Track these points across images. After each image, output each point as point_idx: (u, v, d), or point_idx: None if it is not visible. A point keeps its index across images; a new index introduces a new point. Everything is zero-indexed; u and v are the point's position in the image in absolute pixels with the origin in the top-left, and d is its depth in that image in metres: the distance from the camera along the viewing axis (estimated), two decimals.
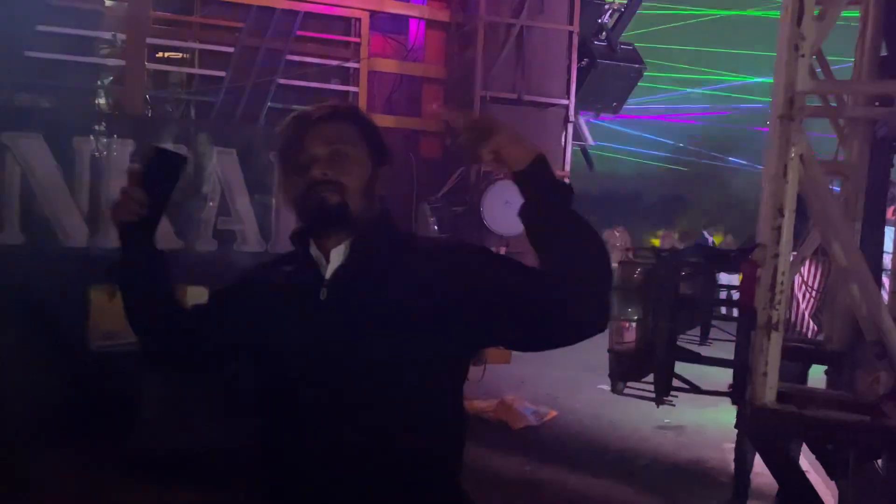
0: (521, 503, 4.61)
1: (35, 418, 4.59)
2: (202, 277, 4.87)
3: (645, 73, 5.88)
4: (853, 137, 2.70)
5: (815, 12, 2.50)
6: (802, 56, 2.35)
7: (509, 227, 5.00)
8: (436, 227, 4.96)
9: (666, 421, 6.43)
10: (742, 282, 2.62)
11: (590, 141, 5.92)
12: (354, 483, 1.43)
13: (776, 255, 2.38)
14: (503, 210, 4.91)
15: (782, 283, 2.40)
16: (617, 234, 8.59)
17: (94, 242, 4.78)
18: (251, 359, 1.58)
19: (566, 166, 5.45)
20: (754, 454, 4.30)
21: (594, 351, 5.18)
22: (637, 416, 6.61)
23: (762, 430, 2.51)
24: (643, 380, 3.25)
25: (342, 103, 1.63)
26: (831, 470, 3.24)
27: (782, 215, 2.38)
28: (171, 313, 1.69)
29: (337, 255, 1.47)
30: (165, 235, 4.91)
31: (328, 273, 1.47)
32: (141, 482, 4.28)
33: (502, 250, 5.28)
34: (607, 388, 8.20)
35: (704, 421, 6.26)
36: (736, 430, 3.09)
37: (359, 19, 5.44)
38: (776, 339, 2.43)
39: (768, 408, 2.40)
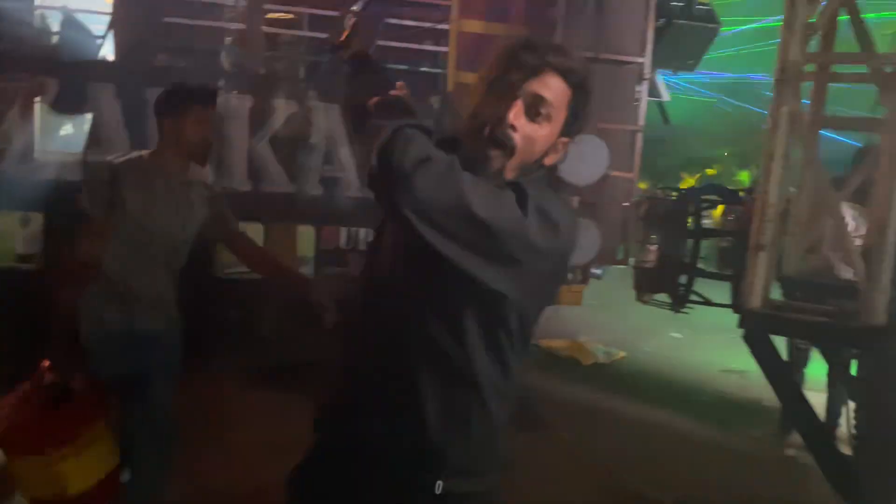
0: (584, 427, 5.11)
1: (174, 336, 5.42)
2: (311, 218, 5.58)
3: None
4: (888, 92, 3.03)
5: None
6: (795, 32, 2.76)
7: (582, 177, 5.42)
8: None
9: (732, 366, 6.78)
10: (745, 214, 3.08)
11: (665, 97, 6.21)
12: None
13: (766, 192, 2.83)
14: (577, 161, 5.31)
15: (770, 213, 2.84)
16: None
17: (220, 184, 5.49)
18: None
19: (640, 121, 5.80)
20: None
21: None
22: (704, 360, 6.98)
23: (751, 328, 3.00)
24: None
25: (583, 64, 1.51)
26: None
27: (772, 160, 2.82)
28: None
29: None
30: (279, 179, 5.62)
31: None
32: (257, 389, 5.01)
33: (575, 201, 5.68)
34: (680, 335, 8.61)
35: None
36: None
37: None
38: (763, 257, 2.91)
39: (755, 311, 2.89)
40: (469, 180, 1.31)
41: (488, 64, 1.47)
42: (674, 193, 3.84)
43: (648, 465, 4.31)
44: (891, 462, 2.91)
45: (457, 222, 1.29)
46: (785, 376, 3.34)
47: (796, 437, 4.89)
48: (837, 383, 4.30)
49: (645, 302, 3.95)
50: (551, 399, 5.19)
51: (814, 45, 3.10)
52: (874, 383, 3.14)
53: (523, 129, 1.41)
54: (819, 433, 3.40)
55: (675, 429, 5.15)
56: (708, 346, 7.46)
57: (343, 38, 1.78)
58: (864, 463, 3.11)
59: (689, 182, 17.36)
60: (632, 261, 4.61)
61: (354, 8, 1.85)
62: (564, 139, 1.49)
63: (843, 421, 4.03)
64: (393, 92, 1.55)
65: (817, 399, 4.01)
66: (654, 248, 3.71)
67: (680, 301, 3.66)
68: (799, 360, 4.50)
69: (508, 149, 1.41)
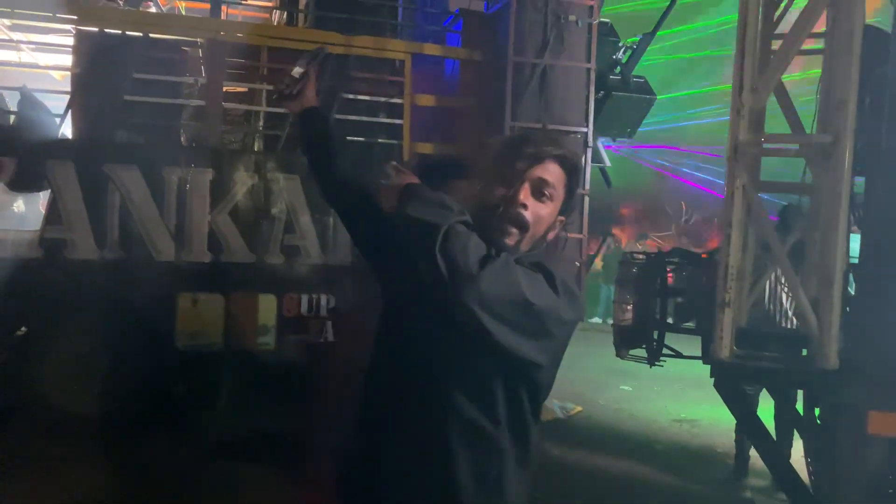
0: (551, 482, 5.25)
1: (133, 405, 5.35)
2: (272, 287, 5.68)
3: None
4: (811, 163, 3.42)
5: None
6: (742, 118, 3.14)
7: None
8: None
9: (682, 415, 7.06)
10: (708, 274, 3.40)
11: (606, 162, 6.61)
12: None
13: (727, 255, 3.15)
14: None
15: (731, 275, 3.15)
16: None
17: (181, 256, 5.51)
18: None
19: (586, 185, 6.16)
20: None
21: (618, 361, 5.82)
22: (656, 411, 7.24)
23: (720, 377, 3.27)
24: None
25: (567, 148, 1.70)
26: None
27: (731, 226, 3.16)
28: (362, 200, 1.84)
29: None
30: (240, 250, 5.71)
31: None
32: (218, 459, 4.98)
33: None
34: (629, 388, 8.89)
35: (718, 415, 6.87)
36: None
37: (402, 61, 6.14)
38: (728, 313, 3.21)
39: (724, 361, 3.17)
40: (520, 272, 1.49)
41: (491, 155, 1.66)
42: (641, 256, 4.18)
43: None
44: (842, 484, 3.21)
45: (513, 310, 1.47)
46: (752, 418, 3.64)
47: (751, 480, 5.18)
48: (784, 420, 4.67)
49: (623, 357, 4.27)
50: None
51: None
52: (827, 419, 3.45)
53: (533, 208, 1.59)
54: (785, 468, 3.69)
55: (636, 477, 5.34)
56: (657, 397, 7.76)
57: (293, 90, 1.90)
58: (818, 486, 3.42)
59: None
60: (609, 321, 4.88)
61: (298, 68, 1.94)
62: (562, 217, 1.68)
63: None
64: (406, 179, 1.64)
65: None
66: (629, 307, 4.01)
67: (654, 355, 3.97)
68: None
69: (524, 225, 1.58)
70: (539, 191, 1.60)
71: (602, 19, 6.52)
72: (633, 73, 6.45)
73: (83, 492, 4.30)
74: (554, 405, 7.00)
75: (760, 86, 3.26)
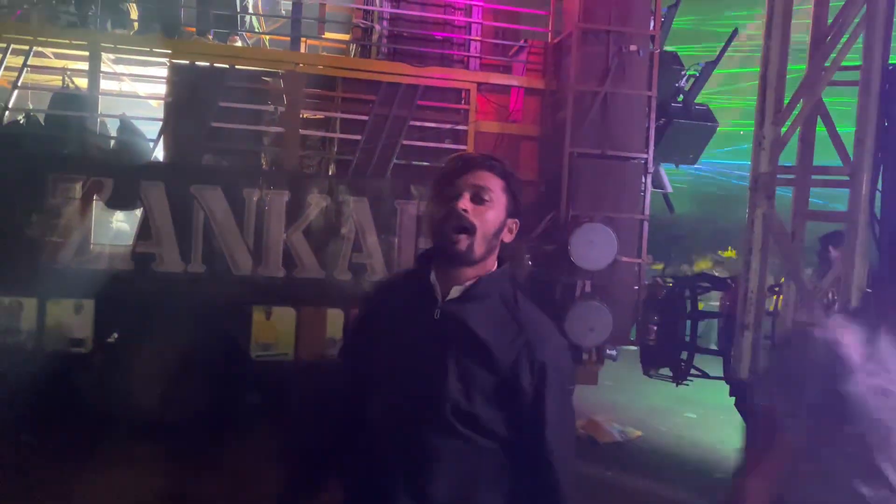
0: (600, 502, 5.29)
1: (209, 411, 5.75)
2: (340, 302, 6.00)
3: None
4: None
5: None
6: (763, 149, 3.25)
7: (593, 262, 5.82)
8: (530, 263, 5.85)
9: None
10: (731, 298, 3.50)
11: (668, 188, 6.68)
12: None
13: (747, 280, 3.26)
14: (588, 248, 5.75)
15: (752, 298, 3.24)
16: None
17: (257, 271, 5.94)
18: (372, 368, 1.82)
19: (646, 210, 6.25)
20: None
21: (685, 387, 5.82)
22: (718, 439, 7.15)
23: (741, 397, 3.34)
24: None
25: (495, 157, 1.82)
26: None
27: (751, 254, 3.26)
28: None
29: (454, 292, 1.75)
30: (312, 267, 6.07)
31: (442, 299, 1.75)
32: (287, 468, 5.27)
33: (587, 285, 6.06)
34: (694, 416, 8.80)
35: None
36: None
37: (468, 90, 6.44)
38: (748, 335, 3.29)
39: (743, 380, 3.25)
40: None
41: (434, 186, 1.79)
42: (669, 280, 4.33)
43: None
44: None
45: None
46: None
47: None
48: None
49: (651, 376, 4.39)
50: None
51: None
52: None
53: (474, 212, 1.71)
54: None
55: None
56: (721, 425, 7.65)
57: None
58: None
59: (702, 265, 17.74)
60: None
61: None
62: (513, 219, 1.80)
63: None
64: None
65: None
66: (654, 328, 4.16)
67: (681, 374, 4.10)
68: None
69: (469, 228, 1.70)
70: (478, 196, 1.72)
71: (667, 48, 6.64)
72: (696, 100, 6.53)
73: (160, 488, 4.66)
74: (613, 428, 7.02)
75: (781, 119, 3.37)
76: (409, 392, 1.71)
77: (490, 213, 1.73)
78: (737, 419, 7.70)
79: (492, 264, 1.79)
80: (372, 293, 1.98)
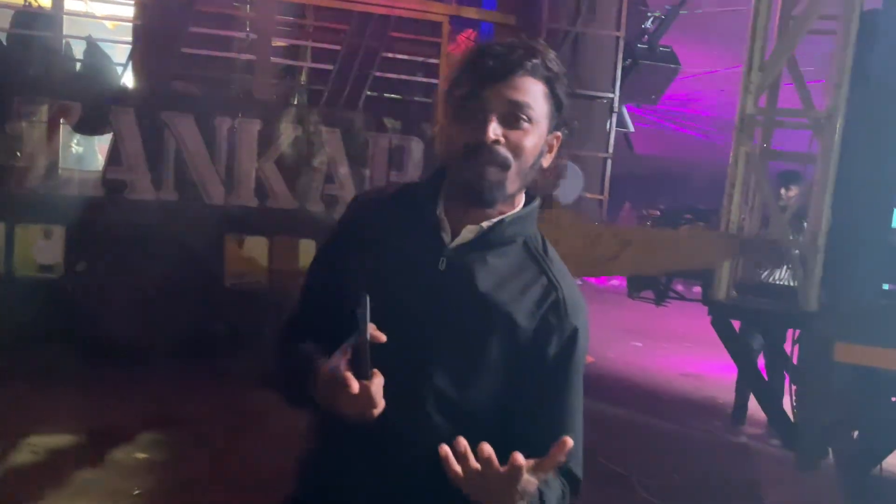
0: None
1: (181, 340, 5.83)
2: (311, 232, 6.11)
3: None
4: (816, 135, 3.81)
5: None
6: (750, 93, 3.53)
7: (560, 197, 6.05)
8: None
9: (688, 370, 7.51)
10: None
11: (630, 128, 6.94)
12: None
13: (728, 212, 3.61)
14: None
15: (732, 229, 3.58)
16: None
17: (229, 200, 5.97)
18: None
19: (609, 148, 6.50)
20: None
21: (631, 315, 6.17)
22: (664, 366, 7.69)
23: (717, 316, 3.76)
24: None
25: (532, 44, 1.33)
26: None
27: (734, 187, 3.59)
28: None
29: (467, 233, 1.35)
30: (284, 197, 6.15)
31: (451, 244, 1.35)
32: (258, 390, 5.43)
33: None
34: (640, 344, 9.36)
35: (722, 371, 7.33)
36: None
37: (440, 23, 6.47)
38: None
39: (720, 301, 3.66)
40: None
41: (452, 80, 1.34)
42: (656, 212, 4.79)
43: (618, 454, 4.92)
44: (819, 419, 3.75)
45: None
46: (741, 348, 4.24)
47: (747, 429, 5.63)
48: (774, 361, 5.20)
49: (633, 298, 4.90)
50: None
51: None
52: (805, 355, 4.03)
53: (509, 139, 1.29)
54: (777, 409, 4.23)
55: (637, 423, 5.79)
56: (665, 353, 8.20)
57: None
58: (801, 419, 3.98)
59: None
60: None
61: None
62: (557, 133, 1.37)
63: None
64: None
65: None
66: None
67: (661, 296, 4.61)
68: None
69: (504, 164, 1.29)
70: (513, 115, 1.29)
71: None
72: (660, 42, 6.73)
73: (116, 411, 4.75)
74: None
75: (769, 65, 3.64)
76: (384, 370, 1.21)
77: (529, 139, 1.30)
78: (676, 348, 8.34)
79: (519, 200, 1.39)
80: (354, 212, 1.48)
